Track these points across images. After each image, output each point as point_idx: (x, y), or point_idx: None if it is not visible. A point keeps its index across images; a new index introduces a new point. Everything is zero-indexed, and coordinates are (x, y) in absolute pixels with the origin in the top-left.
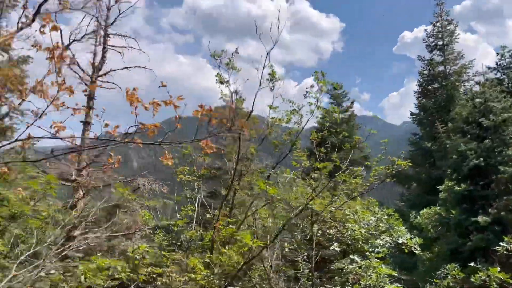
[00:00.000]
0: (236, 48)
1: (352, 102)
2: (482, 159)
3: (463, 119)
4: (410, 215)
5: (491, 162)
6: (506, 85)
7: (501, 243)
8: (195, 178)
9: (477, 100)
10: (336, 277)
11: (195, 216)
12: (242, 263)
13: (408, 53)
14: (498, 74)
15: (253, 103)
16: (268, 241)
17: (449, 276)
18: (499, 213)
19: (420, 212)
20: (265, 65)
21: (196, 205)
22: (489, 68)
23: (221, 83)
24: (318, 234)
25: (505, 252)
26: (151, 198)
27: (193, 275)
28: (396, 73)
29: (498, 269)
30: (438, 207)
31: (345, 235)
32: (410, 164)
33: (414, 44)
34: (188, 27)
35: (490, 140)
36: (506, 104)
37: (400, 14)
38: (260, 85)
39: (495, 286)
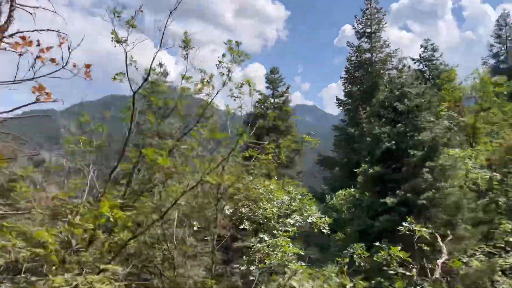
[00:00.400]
0: (140, 6)
1: (288, 88)
2: (393, 142)
3: (380, 103)
4: (327, 196)
5: (402, 146)
6: (428, 76)
7: (404, 223)
8: (90, 149)
9: (394, 85)
10: (243, 256)
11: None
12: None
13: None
14: (421, 66)
15: (150, 66)
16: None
17: (355, 255)
18: (406, 195)
19: (336, 193)
20: (167, 24)
21: (88, 179)
22: (413, 59)
23: (118, 42)
24: (228, 213)
25: (407, 232)
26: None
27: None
28: (336, 64)
29: (399, 248)
30: (353, 189)
31: (256, 214)
32: (318, 141)
33: (354, 39)
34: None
35: (403, 124)
36: (420, 90)
37: (343, 6)
38: (160, 46)
39: (395, 264)
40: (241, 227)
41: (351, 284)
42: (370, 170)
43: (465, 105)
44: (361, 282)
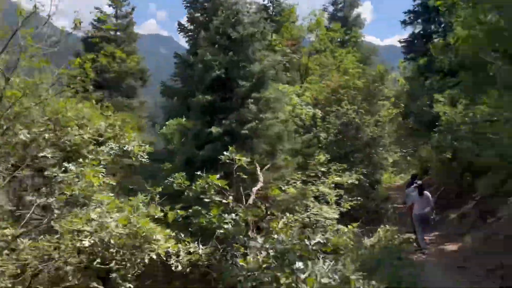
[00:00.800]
0: None
1: (133, 9)
2: (224, 70)
3: (215, 29)
4: (156, 125)
5: (233, 75)
6: (271, 12)
7: (225, 153)
8: None
9: (230, 11)
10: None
11: None
12: None
13: None
14: (266, 1)
15: None
16: None
17: (174, 184)
18: (231, 125)
19: (167, 122)
20: None
21: None
22: None
23: None
24: (23, 138)
25: (228, 161)
26: None
27: None
28: None
29: (217, 176)
30: (184, 119)
31: (63, 139)
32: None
33: None
34: None
35: (235, 53)
36: (255, 19)
37: None
38: None
39: (212, 192)
40: (40, 155)
41: (161, 214)
42: (200, 98)
43: (303, 45)
44: (178, 211)
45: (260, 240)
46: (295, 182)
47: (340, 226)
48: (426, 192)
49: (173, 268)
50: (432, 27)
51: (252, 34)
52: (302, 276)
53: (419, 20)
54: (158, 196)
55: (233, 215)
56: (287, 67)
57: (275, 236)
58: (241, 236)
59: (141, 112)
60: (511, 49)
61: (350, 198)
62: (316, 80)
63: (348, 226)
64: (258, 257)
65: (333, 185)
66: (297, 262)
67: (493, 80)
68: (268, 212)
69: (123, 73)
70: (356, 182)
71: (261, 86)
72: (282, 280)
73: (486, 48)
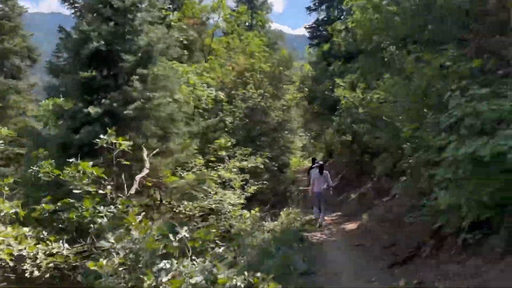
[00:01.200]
0: None
1: None
2: (104, 42)
3: None
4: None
5: (116, 49)
6: None
7: (101, 136)
8: None
9: None
10: None
11: None
12: None
13: None
14: None
15: None
16: None
17: (41, 174)
18: (112, 105)
19: (40, 103)
20: None
21: None
22: None
23: None
24: None
25: (105, 145)
26: None
27: None
28: None
29: (90, 163)
30: (61, 98)
31: None
32: None
33: None
34: None
35: (119, 24)
36: None
37: None
38: None
39: (86, 181)
40: None
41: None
42: (77, 74)
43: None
44: (44, 205)
45: (112, 239)
46: (193, 168)
47: (244, 211)
48: (326, 172)
49: (27, 274)
50: (336, 13)
51: (135, 3)
52: (165, 279)
53: (323, 7)
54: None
55: (112, 207)
56: (189, 47)
57: (133, 233)
58: (109, 233)
59: (31, 95)
60: (403, 34)
61: (256, 183)
62: (222, 63)
63: (251, 211)
64: (114, 259)
65: (239, 169)
66: (159, 262)
67: (388, 64)
68: (163, 202)
69: (5, 51)
70: (261, 166)
71: (148, 62)
72: (145, 284)
73: (381, 33)
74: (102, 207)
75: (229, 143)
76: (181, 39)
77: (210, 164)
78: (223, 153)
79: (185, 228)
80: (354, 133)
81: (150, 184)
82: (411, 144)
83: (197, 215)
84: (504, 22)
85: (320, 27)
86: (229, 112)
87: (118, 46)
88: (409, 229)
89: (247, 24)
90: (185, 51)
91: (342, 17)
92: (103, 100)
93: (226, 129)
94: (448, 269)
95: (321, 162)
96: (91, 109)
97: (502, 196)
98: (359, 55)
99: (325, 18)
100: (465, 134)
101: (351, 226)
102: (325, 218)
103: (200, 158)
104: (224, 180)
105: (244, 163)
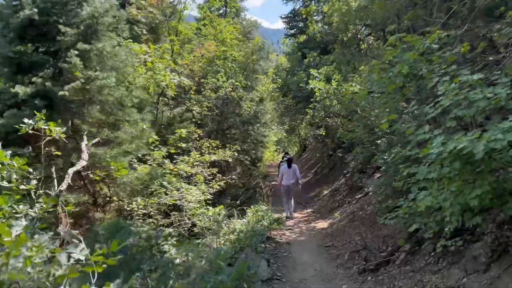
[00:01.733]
0: None
1: None
2: (37, 11)
3: None
4: None
5: (54, 20)
6: None
7: (25, 120)
8: None
9: None
10: None
11: None
12: None
13: None
14: None
15: None
16: None
17: None
18: (44, 84)
19: None
20: None
21: None
22: None
23: None
24: None
25: (32, 131)
26: None
27: None
28: None
29: (8, 152)
30: None
31: None
32: None
33: None
34: None
35: None
36: None
37: None
38: None
39: (5, 173)
40: None
41: None
42: (7, 49)
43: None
44: None
45: None
46: (149, 160)
47: (210, 208)
48: (294, 165)
49: None
50: (313, 3)
51: None
52: None
53: None
54: None
55: (38, 205)
56: (155, 31)
57: None
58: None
59: None
60: (380, 24)
61: (225, 178)
62: (191, 49)
63: (215, 208)
64: None
65: (208, 163)
66: None
67: (365, 55)
68: (113, 198)
69: None
70: (230, 160)
71: (91, 37)
72: None
73: (357, 22)
74: (21, 206)
75: (196, 135)
76: (144, 20)
77: (175, 157)
78: (182, 145)
79: (82, 246)
80: (327, 127)
81: (98, 179)
82: (387, 139)
83: (153, 212)
84: (492, 6)
85: (296, 17)
86: (196, 101)
87: (56, 17)
88: (382, 230)
89: (221, 11)
90: (153, 35)
91: (318, 7)
92: (33, 79)
93: (193, 120)
94: (424, 279)
95: (289, 156)
96: (19, 89)
97: (491, 200)
98: (335, 46)
99: (301, 8)
100: (452, 127)
101: (322, 224)
102: (295, 215)
103: (162, 150)
104: (190, 174)
105: (213, 156)
